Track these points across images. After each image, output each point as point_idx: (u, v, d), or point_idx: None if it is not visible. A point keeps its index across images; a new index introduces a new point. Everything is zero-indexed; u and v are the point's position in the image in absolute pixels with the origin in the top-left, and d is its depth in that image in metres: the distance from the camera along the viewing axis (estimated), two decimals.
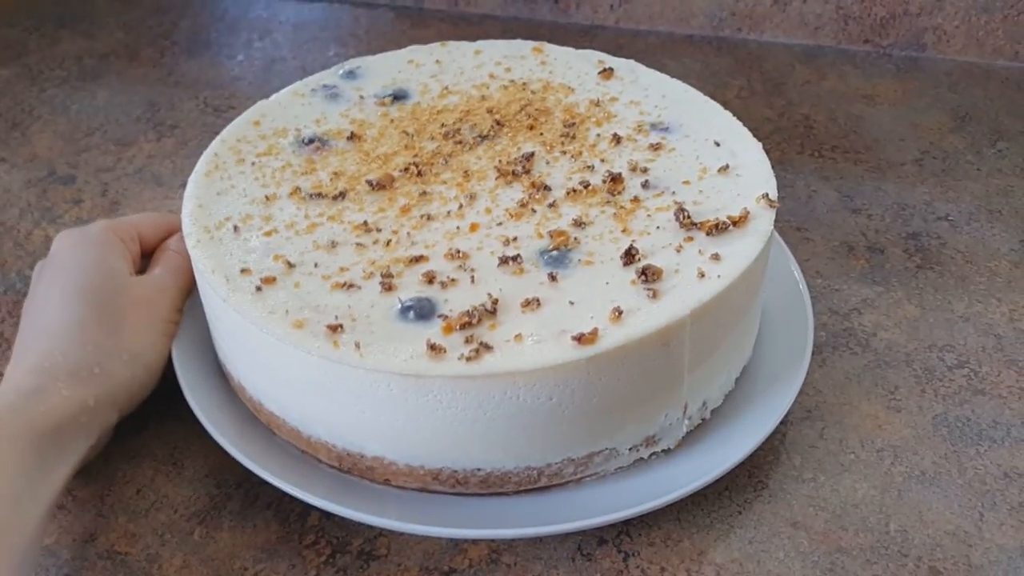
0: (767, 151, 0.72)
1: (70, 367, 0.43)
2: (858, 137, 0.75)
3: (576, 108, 0.54)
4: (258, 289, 0.43)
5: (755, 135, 0.52)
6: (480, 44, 0.61)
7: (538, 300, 0.41)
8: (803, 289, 0.53)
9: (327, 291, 0.43)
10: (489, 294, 0.41)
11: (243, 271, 0.44)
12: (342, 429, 0.43)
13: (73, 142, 0.74)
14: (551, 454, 0.42)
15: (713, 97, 0.56)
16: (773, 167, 0.49)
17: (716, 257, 0.43)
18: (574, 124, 0.53)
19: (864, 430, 0.49)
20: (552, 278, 0.42)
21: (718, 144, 0.50)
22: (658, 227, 0.45)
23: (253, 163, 0.51)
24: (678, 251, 0.44)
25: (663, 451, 0.45)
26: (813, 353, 0.53)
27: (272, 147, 0.52)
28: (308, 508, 0.45)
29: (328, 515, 0.45)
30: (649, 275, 0.42)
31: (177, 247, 0.51)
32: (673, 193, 0.47)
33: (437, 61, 0.59)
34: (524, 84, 0.57)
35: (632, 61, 0.59)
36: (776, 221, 0.63)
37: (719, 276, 0.42)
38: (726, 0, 0.90)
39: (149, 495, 0.46)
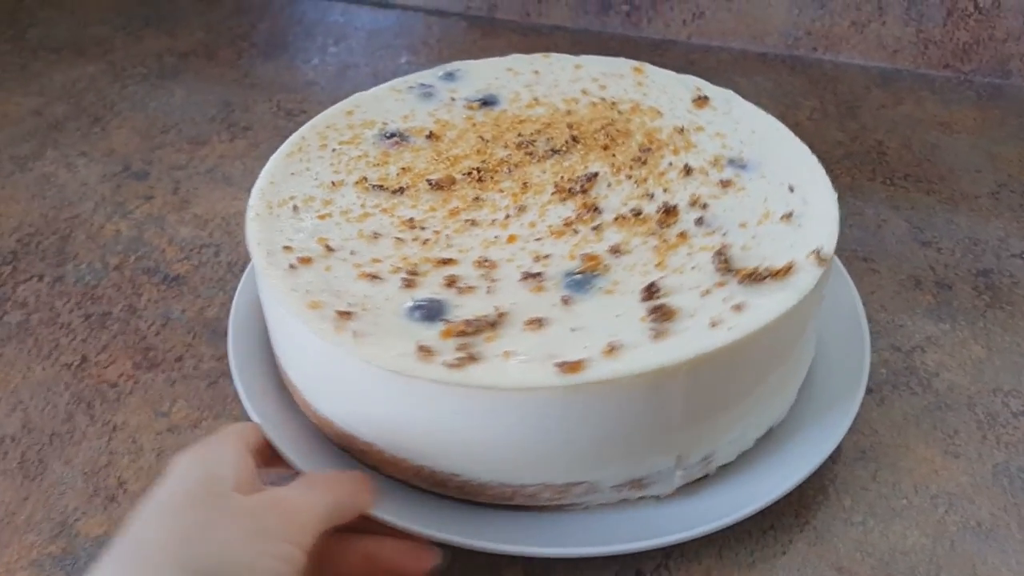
0: (837, 176, 0.71)
1: None
2: (932, 166, 0.73)
3: (658, 133, 0.53)
4: (292, 267, 0.44)
5: (826, 159, 0.51)
6: (582, 59, 0.61)
7: (541, 321, 0.41)
8: (864, 326, 0.52)
9: (353, 279, 0.44)
10: (496, 307, 0.41)
11: (285, 248, 0.45)
12: (339, 410, 0.44)
13: (149, 139, 0.76)
14: (526, 475, 0.42)
15: (784, 118, 0.55)
16: (843, 193, 0.48)
17: (738, 307, 0.40)
18: (650, 149, 0.52)
19: (919, 474, 0.48)
20: (565, 301, 0.42)
21: (792, 189, 0.48)
22: (694, 267, 0.43)
23: (334, 150, 0.53)
24: (704, 295, 0.41)
25: (654, 497, 0.44)
26: (872, 391, 0.52)
27: (356, 137, 0.54)
28: None
29: None
30: (660, 314, 0.40)
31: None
32: (724, 234, 0.45)
33: (535, 72, 0.60)
34: (614, 103, 0.56)
35: (730, 92, 0.57)
36: (842, 251, 0.63)
37: (730, 328, 0.39)
38: (802, 19, 0.88)
39: None
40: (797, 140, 0.52)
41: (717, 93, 0.57)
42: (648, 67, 0.60)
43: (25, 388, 0.53)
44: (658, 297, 0.41)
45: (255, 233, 0.46)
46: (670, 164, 0.51)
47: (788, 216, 0.46)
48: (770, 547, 0.44)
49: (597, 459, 0.41)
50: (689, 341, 0.39)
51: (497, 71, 0.60)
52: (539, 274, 0.43)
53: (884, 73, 0.86)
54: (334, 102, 0.58)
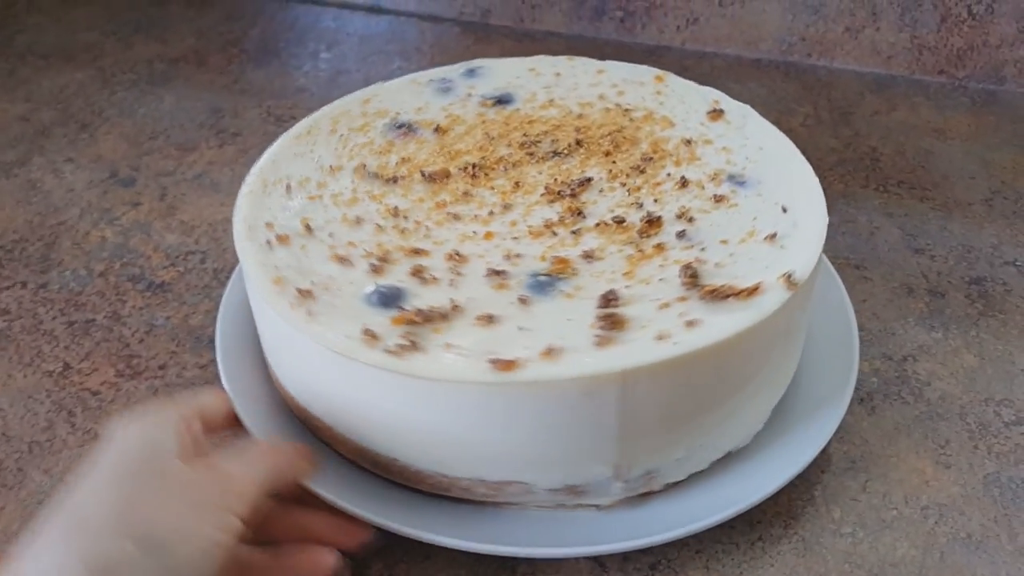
0: (830, 183, 0.71)
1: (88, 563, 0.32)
2: (926, 173, 0.72)
3: (664, 144, 0.52)
4: (268, 243, 0.45)
5: (819, 166, 0.50)
6: (607, 64, 0.60)
7: (492, 318, 0.40)
8: (854, 333, 0.51)
9: (324, 260, 0.44)
10: (453, 300, 0.41)
11: (267, 224, 0.46)
12: (296, 385, 0.45)
13: (137, 145, 0.76)
14: (460, 468, 0.42)
15: (778, 124, 0.54)
16: (836, 200, 0.47)
17: (691, 323, 0.39)
18: (652, 159, 0.51)
19: (909, 485, 0.47)
20: (523, 301, 0.41)
21: (785, 210, 0.46)
22: (662, 279, 0.42)
23: (342, 135, 0.54)
24: (661, 308, 0.40)
25: (594, 506, 0.44)
26: (863, 400, 0.52)
27: (367, 125, 0.55)
28: None
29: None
30: (610, 322, 0.39)
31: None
32: (703, 249, 0.44)
33: (557, 74, 0.59)
34: (627, 110, 0.55)
35: (749, 108, 0.55)
36: (835, 259, 0.62)
37: (675, 343, 0.38)
38: (796, 25, 0.88)
39: None
40: (804, 162, 0.50)
41: (735, 108, 0.55)
42: (671, 77, 0.59)
43: (5, 396, 0.53)
44: (614, 306, 0.40)
45: (242, 209, 0.47)
46: (668, 175, 0.50)
47: (772, 237, 0.45)
48: (758, 558, 0.44)
49: (530, 461, 0.41)
50: (630, 352, 0.38)
51: (519, 71, 0.60)
52: (504, 272, 0.43)
53: (878, 79, 0.86)
54: None
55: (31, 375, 0.54)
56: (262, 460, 0.39)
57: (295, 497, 0.42)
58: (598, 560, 0.44)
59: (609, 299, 0.41)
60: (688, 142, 0.52)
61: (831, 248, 0.64)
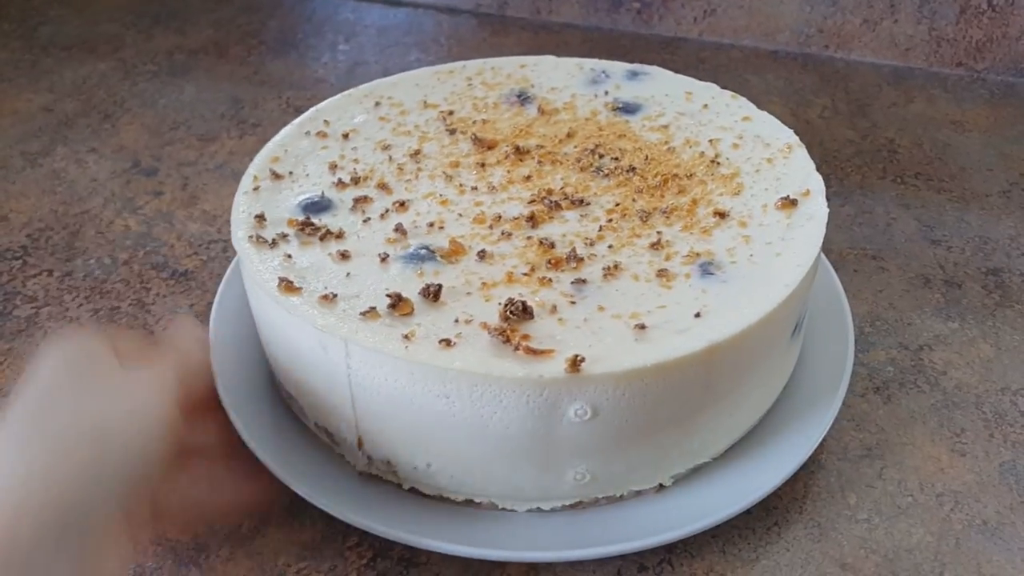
0: (847, 174, 0.71)
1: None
2: (943, 165, 0.73)
3: (704, 206, 0.47)
4: (275, 175, 0.51)
5: (836, 157, 0.50)
6: (759, 114, 0.55)
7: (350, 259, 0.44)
8: (849, 331, 0.51)
9: (322, 162, 0.51)
10: (358, 235, 0.46)
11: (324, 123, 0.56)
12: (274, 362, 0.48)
13: (158, 135, 0.77)
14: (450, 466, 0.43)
15: (795, 116, 0.54)
16: (852, 191, 0.47)
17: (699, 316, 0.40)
18: (669, 213, 0.47)
19: (925, 472, 0.48)
20: (383, 259, 0.44)
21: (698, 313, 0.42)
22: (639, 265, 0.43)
23: (470, 81, 0.60)
24: (571, 304, 0.41)
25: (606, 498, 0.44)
26: (879, 389, 0.52)
27: (498, 85, 0.59)
28: None
29: None
30: (514, 310, 0.39)
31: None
32: (579, 299, 0.42)
33: (705, 105, 0.56)
34: (716, 163, 0.50)
35: (825, 215, 0.47)
36: (852, 249, 0.63)
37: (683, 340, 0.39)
38: (814, 16, 0.88)
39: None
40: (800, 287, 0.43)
41: (812, 208, 0.47)
42: (797, 149, 0.51)
43: None
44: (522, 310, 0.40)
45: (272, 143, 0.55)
46: (657, 233, 0.45)
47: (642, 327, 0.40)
48: (774, 543, 0.44)
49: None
50: (652, 350, 0.39)
51: (675, 88, 0.58)
52: (405, 232, 0.46)
53: (896, 71, 0.86)
54: None
55: None
56: (173, 362, 0.42)
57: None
58: None
59: (560, 260, 0.43)
60: (723, 214, 0.46)
61: (848, 239, 0.64)
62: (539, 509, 0.43)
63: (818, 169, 0.50)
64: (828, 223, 0.46)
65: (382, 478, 0.44)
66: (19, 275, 0.62)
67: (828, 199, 0.47)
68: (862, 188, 0.70)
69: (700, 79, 0.59)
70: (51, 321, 0.58)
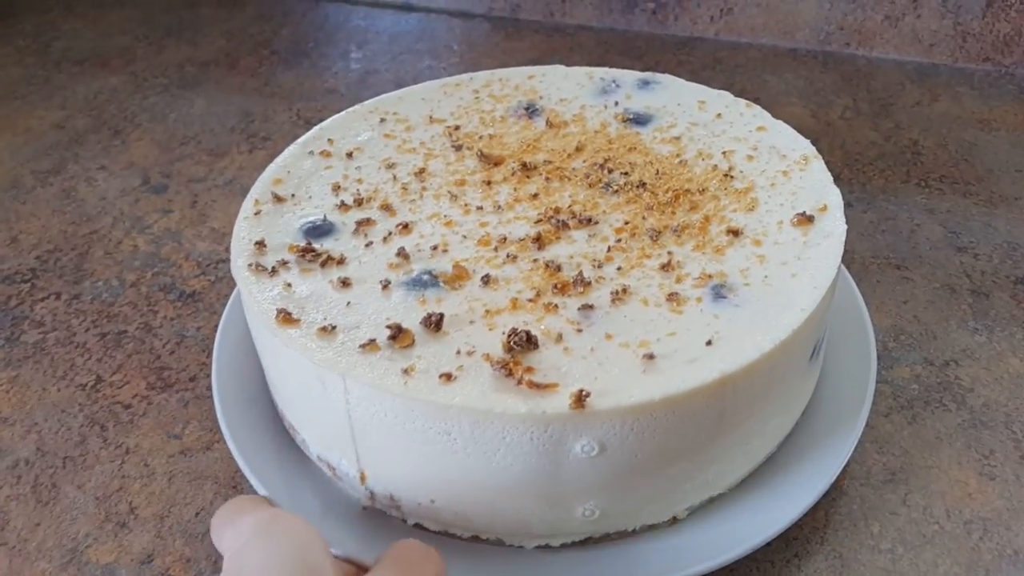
0: (870, 178, 0.69)
1: None
2: (970, 166, 0.70)
3: (716, 223, 0.46)
4: (277, 198, 0.50)
5: (859, 160, 0.49)
6: (775, 124, 0.53)
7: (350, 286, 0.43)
8: (872, 356, 0.49)
9: (325, 184, 0.50)
10: (360, 260, 0.45)
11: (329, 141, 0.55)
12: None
13: (168, 151, 0.76)
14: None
15: (816, 117, 0.53)
16: (875, 196, 0.45)
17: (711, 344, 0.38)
18: (680, 231, 0.45)
19: (952, 498, 0.46)
20: (384, 286, 0.43)
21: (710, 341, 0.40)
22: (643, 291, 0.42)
23: (477, 95, 0.58)
24: (669, 336, 0.39)
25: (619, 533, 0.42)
26: (903, 408, 0.50)
27: (505, 97, 0.58)
28: None
29: None
30: (518, 341, 0.38)
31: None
32: (586, 325, 0.40)
33: (718, 115, 0.54)
34: (730, 176, 0.49)
35: (843, 230, 0.45)
36: (875, 258, 0.61)
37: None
38: (834, 13, 0.85)
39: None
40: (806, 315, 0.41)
41: (830, 225, 0.45)
42: (814, 162, 0.49)
43: (40, 410, 0.53)
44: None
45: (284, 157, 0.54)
46: (669, 254, 0.44)
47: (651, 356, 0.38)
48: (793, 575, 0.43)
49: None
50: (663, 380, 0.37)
51: (688, 98, 0.56)
52: (408, 256, 0.44)
53: (920, 68, 0.83)
54: None
55: (64, 388, 0.54)
56: (407, 560, 0.34)
57: None
58: None
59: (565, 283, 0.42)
60: (736, 232, 0.45)
61: (871, 247, 0.62)
62: (548, 546, 0.42)
63: (839, 173, 0.47)
64: (849, 230, 0.45)
65: (386, 513, 0.43)
66: (27, 299, 0.61)
67: (850, 205, 0.45)
68: (885, 193, 0.67)
69: (717, 80, 0.57)
70: (58, 347, 0.57)
